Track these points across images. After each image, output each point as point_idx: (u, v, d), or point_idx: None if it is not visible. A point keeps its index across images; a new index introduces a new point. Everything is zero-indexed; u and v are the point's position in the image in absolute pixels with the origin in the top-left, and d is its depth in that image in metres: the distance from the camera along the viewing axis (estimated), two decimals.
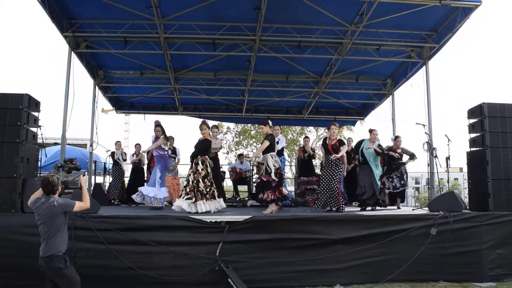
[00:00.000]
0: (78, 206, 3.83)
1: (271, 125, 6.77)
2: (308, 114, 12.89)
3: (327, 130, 7.27)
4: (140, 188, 7.14)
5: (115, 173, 9.41)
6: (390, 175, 7.78)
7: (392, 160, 7.78)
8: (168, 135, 7.48)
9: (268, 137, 6.50)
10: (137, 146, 9.25)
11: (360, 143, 7.44)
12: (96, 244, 4.85)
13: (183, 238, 5.09)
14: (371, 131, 7.41)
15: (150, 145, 7.47)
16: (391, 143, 8.13)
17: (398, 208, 7.70)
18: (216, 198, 6.30)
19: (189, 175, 6.26)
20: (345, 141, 6.96)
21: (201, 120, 6.84)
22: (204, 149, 6.44)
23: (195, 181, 6.14)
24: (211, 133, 7.07)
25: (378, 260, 5.40)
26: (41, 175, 3.87)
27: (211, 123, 8.40)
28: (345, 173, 8.15)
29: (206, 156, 6.37)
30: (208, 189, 6.14)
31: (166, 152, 7.23)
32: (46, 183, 3.72)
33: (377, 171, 7.18)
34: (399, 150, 7.92)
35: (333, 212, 6.58)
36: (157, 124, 7.18)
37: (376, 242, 5.38)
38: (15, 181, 5.12)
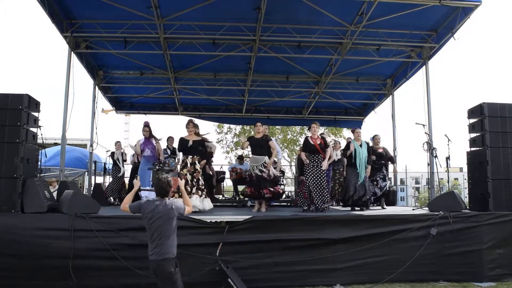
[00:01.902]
0: (187, 210, 3.80)
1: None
2: (308, 114, 12.90)
3: (308, 129, 7.23)
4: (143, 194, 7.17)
5: (114, 173, 9.40)
6: (373, 178, 7.63)
7: (376, 159, 7.67)
8: (168, 135, 7.56)
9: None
10: None
11: (348, 144, 7.43)
12: (95, 245, 4.84)
13: (183, 238, 5.07)
14: (353, 130, 7.47)
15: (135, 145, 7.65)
16: (370, 143, 8.09)
17: (383, 208, 7.67)
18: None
19: (186, 174, 6.35)
20: (327, 139, 7.02)
21: (189, 119, 6.86)
22: (198, 148, 6.59)
23: (195, 180, 6.33)
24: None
25: (378, 260, 5.38)
26: (158, 177, 3.80)
27: (210, 123, 8.47)
28: (345, 173, 8.16)
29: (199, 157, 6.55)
30: (204, 187, 6.41)
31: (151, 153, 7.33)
32: (165, 185, 3.67)
33: (363, 172, 7.14)
34: (380, 150, 7.89)
35: (326, 210, 6.59)
36: (146, 125, 7.26)
37: (376, 242, 5.37)
38: (15, 181, 5.10)
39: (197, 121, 7.17)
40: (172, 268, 3.51)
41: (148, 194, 7.04)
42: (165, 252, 3.53)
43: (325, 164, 6.66)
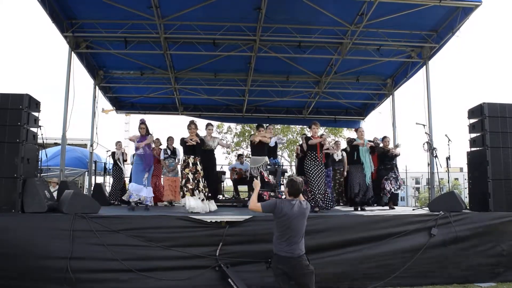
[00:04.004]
0: None
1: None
2: (308, 114, 12.90)
3: (308, 129, 7.28)
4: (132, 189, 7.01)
5: (115, 173, 9.40)
6: (387, 177, 7.66)
7: (387, 160, 7.71)
8: (168, 135, 7.49)
9: None
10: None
11: (351, 142, 7.44)
12: (95, 246, 4.84)
13: (183, 238, 5.08)
14: (356, 129, 7.51)
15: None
16: (380, 145, 8.10)
17: (391, 208, 7.66)
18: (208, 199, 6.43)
19: (187, 173, 6.29)
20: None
21: (190, 120, 6.81)
22: (199, 148, 6.57)
23: (196, 180, 6.27)
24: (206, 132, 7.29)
25: (378, 261, 5.35)
26: (292, 178, 3.94)
27: (211, 122, 8.47)
28: (345, 173, 8.16)
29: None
30: (206, 189, 6.35)
31: (150, 151, 7.25)
32: (300, 185, 3.82)
33: (368, 170, 7.16)
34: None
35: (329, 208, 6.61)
36: (142, 122, 7.15)
37: (376, 242, 5.36)
38: (15, 181, 5.11)
39: (197, 121, 7.12)
40: (307, 261, 3.71)
41: (141, 192, 6.96)
42: (300, 249, 3.68)
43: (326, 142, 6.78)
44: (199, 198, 6.19)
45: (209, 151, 7.59)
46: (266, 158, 6.67)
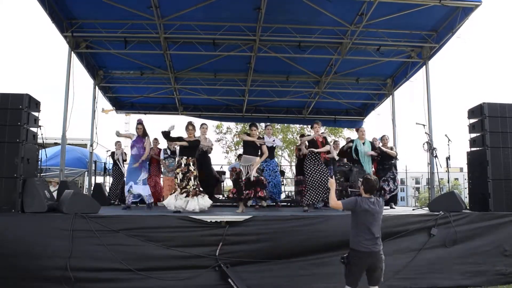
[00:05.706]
0: None
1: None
2: (308, 114, 12.90)
3: (311, 129, 7.27)
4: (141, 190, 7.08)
5: (115, 173, 9.39)
6: (385, 178, 7.65)
7: (385, 160, 7.68)
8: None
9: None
10: None
11: (351, 142, 7.44)
12: (94, 245, 4.83)
13: (183, 238, 5.08)
14: (357, 129, 7.49)
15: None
16: (379, 144, 8.09)
17: (392, 208, 7.65)
18: (200, 194, 6.33)
19: (178, 173, 6.29)
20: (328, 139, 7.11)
21: (188, 121, 6.77)
22: (195, 149, 6.55)
23: (186, 180, 6.26)
24: (199, 132, 7.28)
25: None
26: (367, 176, 4.10)
27: (210, 122, 8.45)
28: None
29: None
30: (195, 188, 6.29)
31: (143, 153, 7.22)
32: (376, 183, 4.00)
33: (369, 170, 7.17)
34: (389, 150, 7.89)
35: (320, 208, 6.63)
36: (140, 122, 7.13)
37: None
38: (15, 181, 5.11)
39: (196, 121, 7.10)
40: (384, 256, 3.90)
41: (142, 192, 6.99)
42: (379, 244, 3.87)
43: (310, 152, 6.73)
44: (185, 197, 6.15)
45: (203, 152, 7.53)
46: (258, 158, 6.64)
